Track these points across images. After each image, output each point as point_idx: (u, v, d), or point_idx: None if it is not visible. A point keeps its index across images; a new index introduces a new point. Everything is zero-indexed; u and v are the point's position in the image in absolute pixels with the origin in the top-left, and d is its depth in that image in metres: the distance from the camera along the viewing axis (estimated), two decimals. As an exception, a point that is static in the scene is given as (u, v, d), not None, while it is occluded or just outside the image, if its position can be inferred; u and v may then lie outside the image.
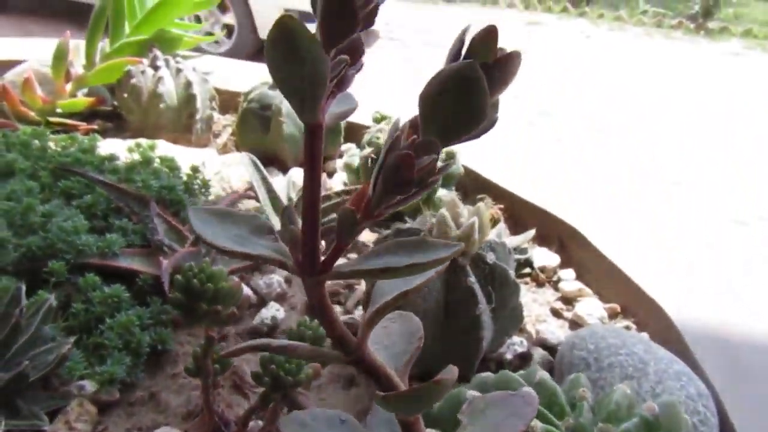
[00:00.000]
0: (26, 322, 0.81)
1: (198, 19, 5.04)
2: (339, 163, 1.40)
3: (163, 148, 1.29)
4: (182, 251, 0.98)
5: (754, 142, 4.37)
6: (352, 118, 1.49)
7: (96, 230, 1.02)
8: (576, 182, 1.42)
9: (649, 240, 1.15)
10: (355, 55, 0.39)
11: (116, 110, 1.54)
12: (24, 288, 0.84)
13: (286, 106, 1.32)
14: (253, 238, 0.44)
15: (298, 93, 0.37)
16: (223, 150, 1.46)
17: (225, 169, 1.27)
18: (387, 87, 5.06)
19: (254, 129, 1.36)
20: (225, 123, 1.60)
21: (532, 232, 1.14)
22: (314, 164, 0.40)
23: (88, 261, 0.94)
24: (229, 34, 5.20)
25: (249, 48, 5.18)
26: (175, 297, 0.71)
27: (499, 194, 1.26)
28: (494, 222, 1.22)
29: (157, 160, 1.17)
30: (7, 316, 0.81)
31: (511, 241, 1.14)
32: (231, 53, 5.03)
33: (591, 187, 1.38)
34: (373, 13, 0.36)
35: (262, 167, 1.19)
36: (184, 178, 1.15)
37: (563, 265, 1.12)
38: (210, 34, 4.94)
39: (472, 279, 0.83)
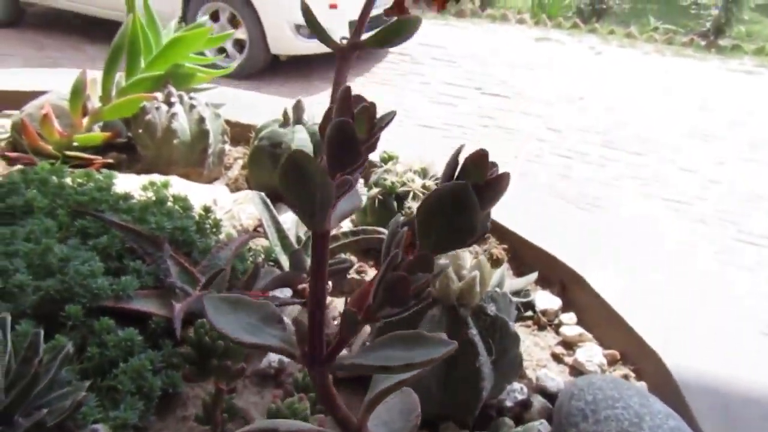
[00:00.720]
0: (44, 368, 0.84)
1: (211, 35, 5.11)
2: (347, 199, 1.43)
3: (176, 183, 1.33)
4: (194, 295, 1.01)
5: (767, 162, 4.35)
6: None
7: (111, 272, 1.05)
8: (582, 211, 1.44)
9: (652, 283, 1.17)
10: (360, 165, 0.42)
11: (131, 141, 1.59)
12: (42, 333, 0.88)
13: (295, 144, 1.35)
14: (264, 327, 0.47)
15: (308, 211, 0.40)
16: (234, 184, 1.50)
17: (235, 207, 1.31)
18: (395, 102, 5.11)
19: (264, 166, 1.39)
20: (236, 155, 1.64)
21: (534, 275, 1.16)
22: (321, 268, 0.43)
23: (102, 304, 0.98)
24: (241, 49, 5.28)
25: (260, 63, 5.26)
26: (186, 352, 0.75)
27: (503, 234, 1.28)
28: (497, 263, 1.25)
29: (171, 200, 1.21)
30: (27, 362, 0.84)
31: (514, 283, 1.17)
32: (242, 68, 5.12)
33: (596, 218, 1.40)
34: (376, 143, 0.39)
35: (271, 206, 1.22)
36: (196, 217, 1.18)
37: (565, 308, 1.14)
38: (222, 50, 5.03)
39: (474, 331, 0.86)
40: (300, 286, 1.14)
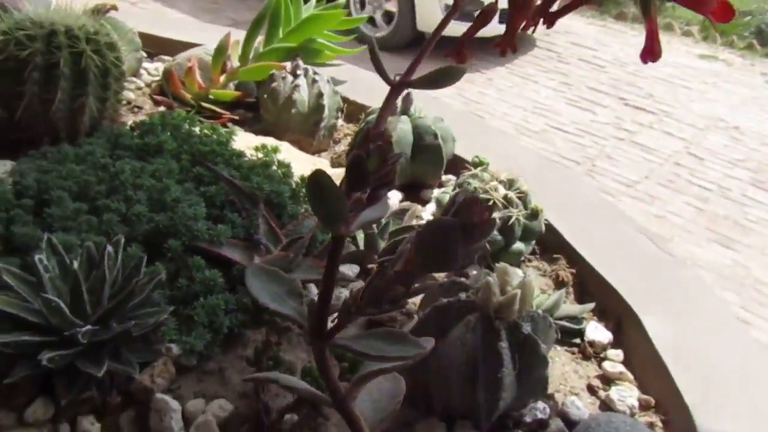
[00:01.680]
0: (140, 288, 1.01)
1: (363, 5, 5.31)
2: (436, 192, 1.50)
3: (285, 150, 1.47)
4: (274, 254, 1.14)
5: None
6: (459, 151, 1.57)
7: (212, 218, 1.21)
8: (689, 254, 1.41)
9: (715, 341, 1.15)
10: (383, 185, 0.50)
11: (257, 103, 1.76)
12: (145, 258, 1.05)
13: (396, 134, 1.44)
14: (287, 298, 0.57)
15: (326, 218, 0.49)
16: (338, 159, 1.62)
17: (330, 182, 1.42)
18: (531, 99, 5.02)
19: (366, 148, 1.50)
20: (346, 132, 1.76)
21: (590, 306, 1.18)
22: (333, 265, 0.52)
23: (198, 244, 1.14)
24: (389, 21, 5.40)
25: (405, 38, 5.36)
26: (247, 302, 0.87)
27: (573, 257, 1.30)
28: (561, 285, 1.28)
29: (276, 164, 1.35)
30: (129, 279, 1.02)
31: (570, 308, 1.19)
32: (387, 39, 5.24)
33: (693, 272, 1.37)
34: (389, 173, 0.47)
35: (361, 187, 1.32)
36: (293, 185, 1.31)
37: (614, 344, 1.15)
38: (371, 18, 5.20)
39: (503, 344, 0.91)
40: (369, 266, 1.24)
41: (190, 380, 0.99)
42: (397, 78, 0.53)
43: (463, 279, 1.01)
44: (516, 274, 1.12)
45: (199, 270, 1.10)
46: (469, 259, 0.47)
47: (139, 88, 1.81)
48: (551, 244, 1.35)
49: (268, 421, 0.90)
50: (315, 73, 1.63)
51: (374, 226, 1.29)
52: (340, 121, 1.72)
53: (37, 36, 1.38)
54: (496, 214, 1.25)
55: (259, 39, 1.78)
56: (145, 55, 1.94)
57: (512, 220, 1.24)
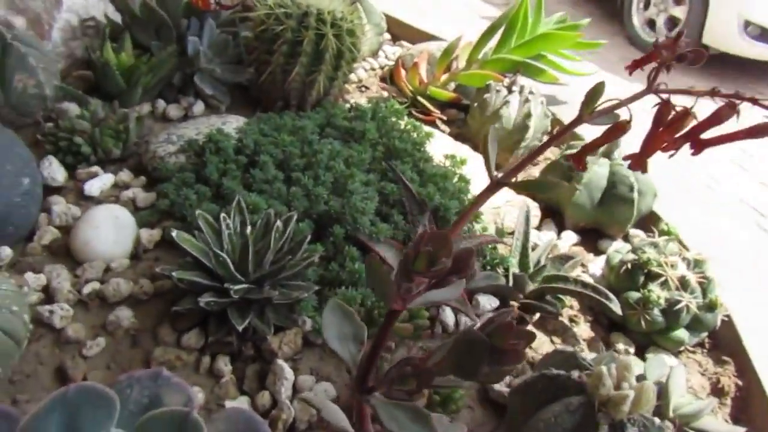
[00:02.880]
0: (296, 263, 1.14)
1: (647, 5, 4.91)
2: (612, 247, 1.40)
3: (475, 162, 1.49)
4: (419, 265, 1.19)
5: None
6: (659, 208, 1.43)
7: (380, 213, 1.30)
8: None
9: None
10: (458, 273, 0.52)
11: (469, 107, 1.78)
12: (309, 236, 1.18)
13: (587, 177, 1.37)
14: (348, 342, 0.62)
15: (378, 294, 0.52)
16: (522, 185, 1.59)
17: (505, 207, 1.41)
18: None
19: (555, 179, 1.45)
20: (548, 155, 1.70)
21: (742, 430, 1.02)
22: (383, 334, 0.55)
23: (359, 236, 1.23)
24: (672, 28, 4.90)
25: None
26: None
27: (745, 367, 1.13)
28: (720, 393, 1.12)
29: (456, 178, 1.38)
30: (290, 251, 1.16)
31: (715, 424, 1.05)
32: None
33: None
34: (439, 272, 0.48)
35: (530, 222, 1.30)
36: (465, 202, 1.33)
37: (756, 484, 0.99)
38: (652, 22, 4.79)
39: (598, 439, 0.85)
40: (511, 303, 1.23)
41: (311, 356, 1.10)
42: (499, 176, 0.52)
43: (584, 355, 0.96)
44: (662, 362, 1.04)
45: (351, 260, 1.20)
46: (495, 377, 0.47)
47: (373, 69, 1.96)
48: (725, 344, 1.18)
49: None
50: (530, 92, 1.60)
51: (531, 265, 1.26)
52: (546, 144, 1.67)
53: (292, 15, 1.57)
54: (663, 294, 1.14)
55: (492, 45, 1.79)
56: (388, 38, 2.08)
57: (680, 305, 1.12)
